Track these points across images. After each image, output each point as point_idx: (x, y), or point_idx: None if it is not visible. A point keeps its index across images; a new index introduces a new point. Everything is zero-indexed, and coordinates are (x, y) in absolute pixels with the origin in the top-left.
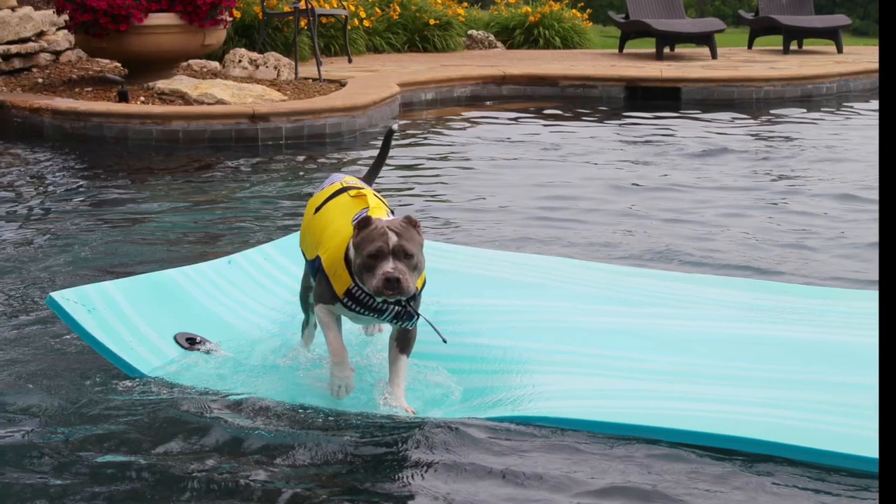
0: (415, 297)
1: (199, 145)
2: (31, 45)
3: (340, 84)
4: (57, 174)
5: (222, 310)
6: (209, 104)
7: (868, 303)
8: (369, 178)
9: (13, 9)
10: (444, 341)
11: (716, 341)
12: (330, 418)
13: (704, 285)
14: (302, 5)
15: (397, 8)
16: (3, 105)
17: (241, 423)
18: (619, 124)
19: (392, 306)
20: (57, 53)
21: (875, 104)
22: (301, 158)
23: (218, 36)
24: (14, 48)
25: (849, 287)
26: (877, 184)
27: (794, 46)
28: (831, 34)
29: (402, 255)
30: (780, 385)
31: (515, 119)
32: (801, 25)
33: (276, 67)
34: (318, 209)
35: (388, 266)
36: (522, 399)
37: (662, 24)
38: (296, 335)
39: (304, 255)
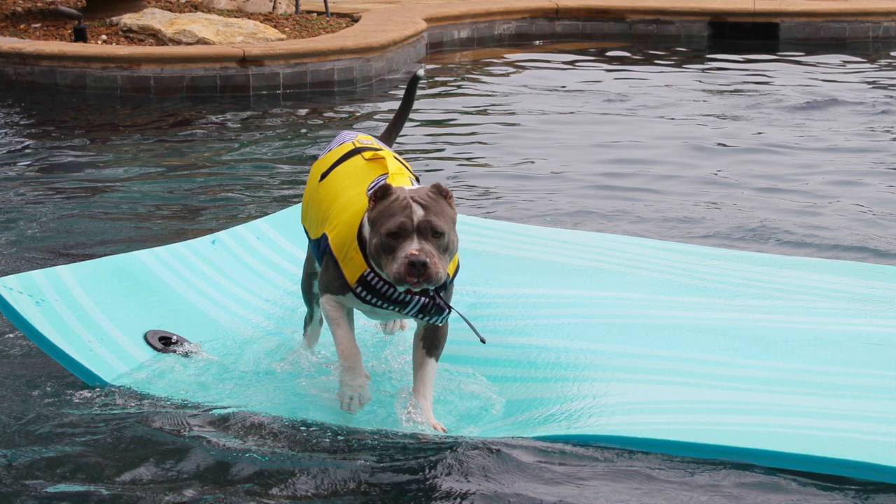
0: (445, 286)
1: (175, 96)
2: None
3: (352, 19)
4: None
5: (204, 302)
6: (188, 44)
7: None
8: (389, 137)
9: None
10: (483, 341)
11: (824, 341)
12: (339, 438)
13: (808, 271)
14: None
15: None
16: None
17: (227, 444)
18: (702, 69)
19: (417, 297)
20: None
21: None
22: (303, 112)
23: None
24: None
25: None
26: None
27: None
28: None
29: (430, 233)
30: None
31: (571, 63)
32: None
33: None
34: (324, 175)
35: (413, 247)
36: (580, 414)
37: None
38: (297, 333)
39: (306, 233)
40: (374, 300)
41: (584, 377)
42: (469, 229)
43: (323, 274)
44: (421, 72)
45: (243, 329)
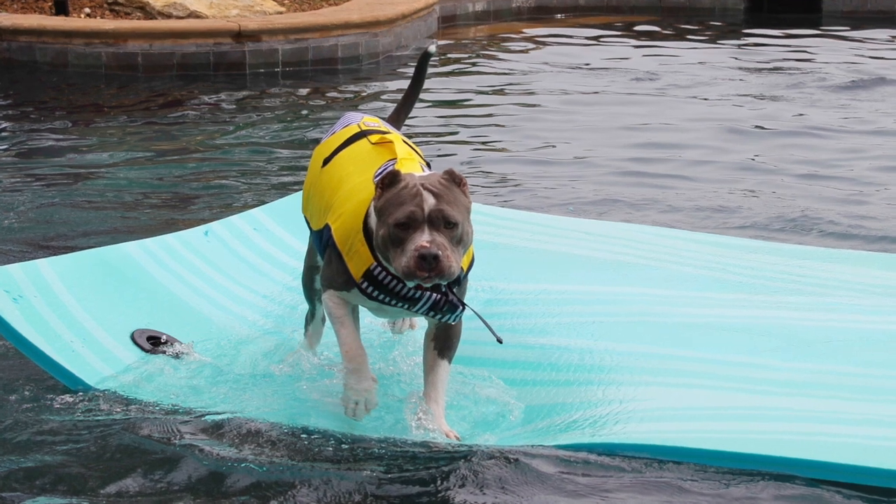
0: (459, 282)
1: (164, 74)
2: None
3: None
4: None
5: (196, 298)
6: (179, 18)
7: None
8: (397, 119)
9: None
10: (500, 341)
11: (870, 341)
12: (343, 446)
13: (854, 265)
14: None
15: None
16: None
17: (221, 453)
18: (738, 45)
19: (428, 294)
20: None
21: None
22: (304, 92)
23: None
24: None
25: None
26: None
27: None
28: None
29: (442, 223)
30: None
31: (596, 38)
32: None
33: None
34: (327, 161)
35: (423, 238)
36: (606, 420)
37: None
38: (297, 333)
39: (308, 223)
40: (381, 296)
41: (609, 380)
42: (485, 219)
43: (325, 268)
44: (432, 48)
45: (239, 328)
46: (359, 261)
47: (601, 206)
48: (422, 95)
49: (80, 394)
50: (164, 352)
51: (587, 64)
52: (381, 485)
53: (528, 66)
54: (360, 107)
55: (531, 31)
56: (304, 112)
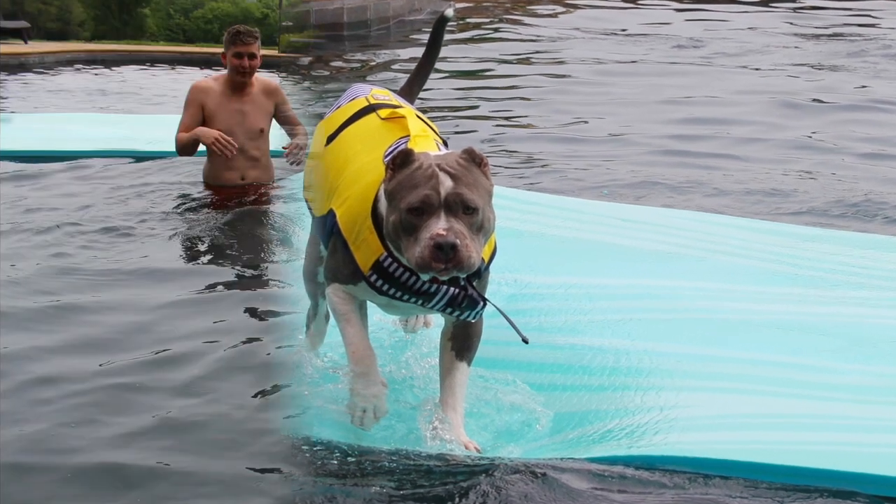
0: (479, 274)
1: None
2: None
3: None
4: None
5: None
6: None
7: None
8: (410, 91)
9: None
10: (525, 341)
11: None
12: (349, 459)
13: None
14: None
15: None
16: None
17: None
18: (793, 8)
19: (445, 288)
20: None
21: None
22: (305, 61)
23: None
24: None
25: None
26: None
27: None
28: None
29: (461, 208)
30: None
31: (633, 1)
32: None
33: None
34: (331, 138)
35: (440, 226)
36: (645, 430)
37: None
38: (297, 331)
39: (309, 208)
40: (391, 291)
41: (648, 385)
42: (508, 204)
43: (330, 259)
44: (449, 12)
45: None
46: (367, 251)
47: (639, 190)
48: (437, 65)
49: None
50: None
51: (623, 29)
52: (391, 502)
53: (557, 31)
54: (368, 78)
55: None
56: (306, 83)
